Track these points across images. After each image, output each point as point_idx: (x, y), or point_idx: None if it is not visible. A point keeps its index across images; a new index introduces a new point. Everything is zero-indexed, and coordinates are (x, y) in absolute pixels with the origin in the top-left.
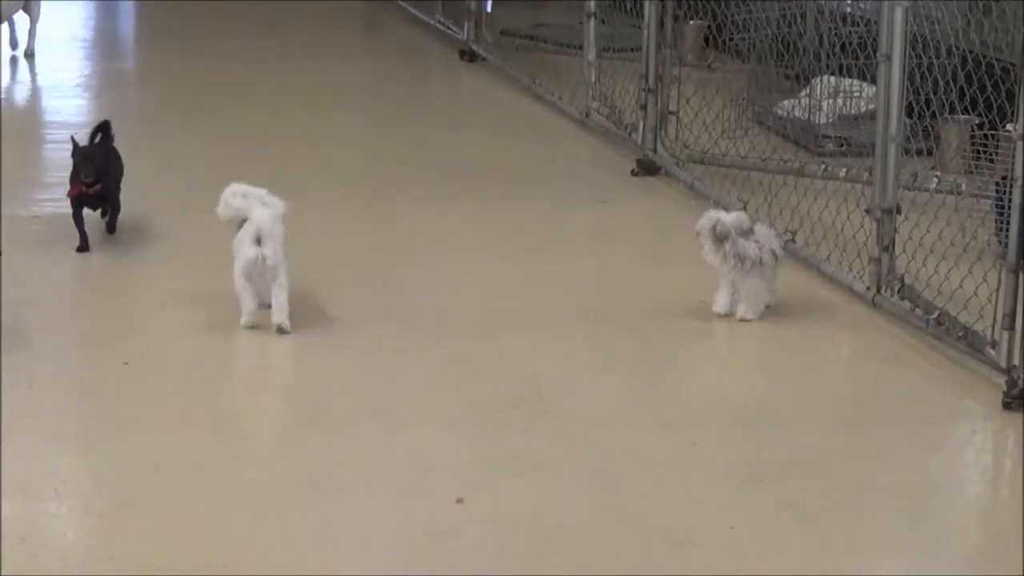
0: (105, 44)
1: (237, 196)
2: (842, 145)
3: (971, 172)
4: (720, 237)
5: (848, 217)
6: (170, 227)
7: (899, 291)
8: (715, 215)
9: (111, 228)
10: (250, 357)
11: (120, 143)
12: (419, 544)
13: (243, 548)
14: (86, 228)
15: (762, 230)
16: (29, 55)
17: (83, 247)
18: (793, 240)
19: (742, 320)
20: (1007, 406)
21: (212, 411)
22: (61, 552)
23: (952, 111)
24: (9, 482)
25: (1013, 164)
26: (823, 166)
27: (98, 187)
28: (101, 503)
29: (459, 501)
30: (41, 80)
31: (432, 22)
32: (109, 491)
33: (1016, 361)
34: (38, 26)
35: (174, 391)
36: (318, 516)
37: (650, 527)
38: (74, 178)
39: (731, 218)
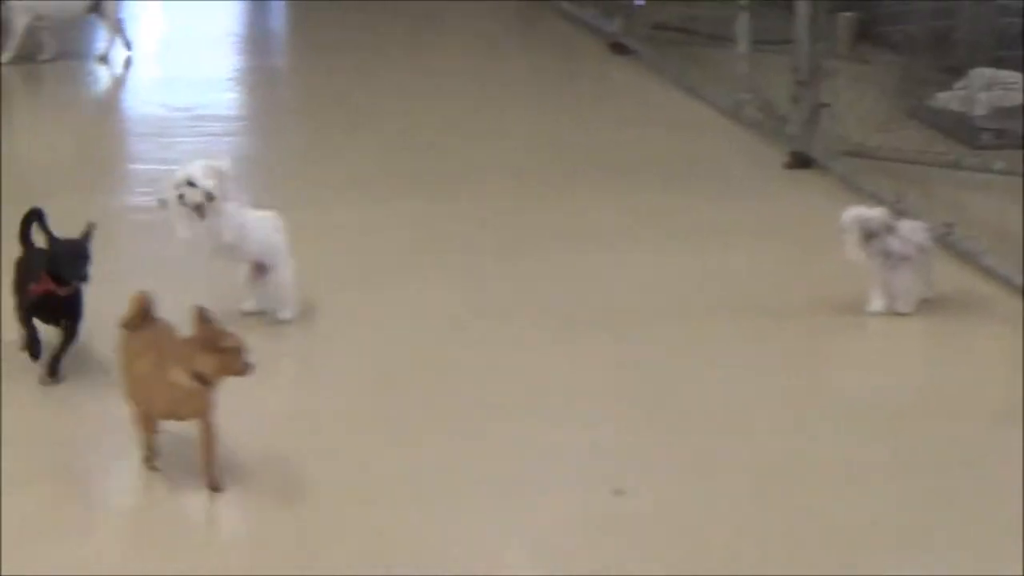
0: (257, 39)
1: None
2: (999, 137)
3: None
4: (869, 235)
5: (1007, 210)
6: (310, 221)
7: None
8: (859, 212)
9: (56, 367)
10: (396, 350)
11: (272, 139)
12: (578, 536)
13: (402, 542)
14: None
15: (907, 225)
16: (103, 59)
17: (33, 350)
18: (951, 233)
19: (897, 314)
20: None
21: (372, 404)
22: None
23: None
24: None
25: None
26: (980, 159)
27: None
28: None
29: (618, 493)
30: (194, 74)
31: (583, 16)
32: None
33: None
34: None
35: (331, 388)
36: (476, 508)
37: (804, 525)
38: (33, 274)
39: (876, 214)
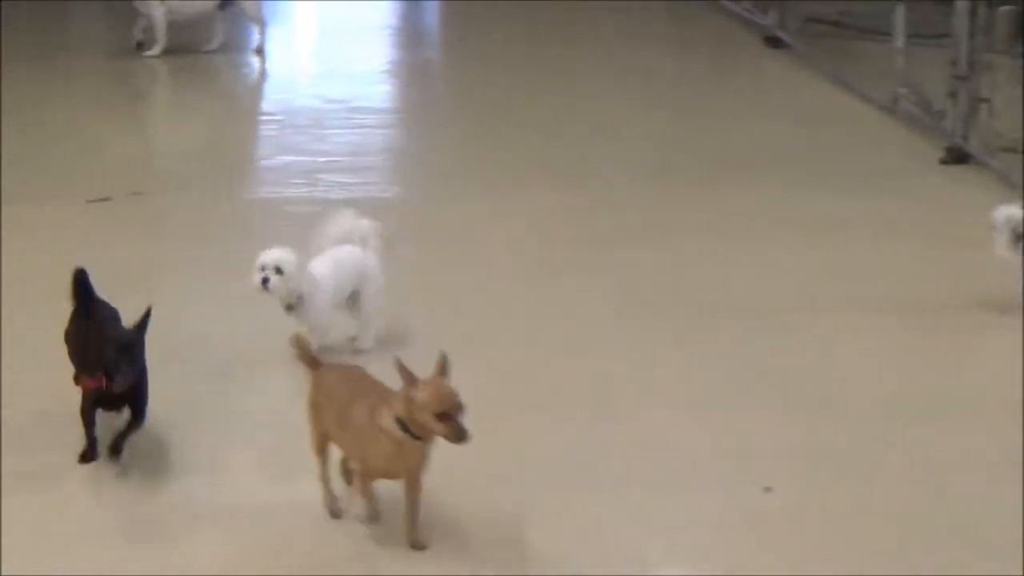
0: (411, 33)
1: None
2: None
3: None
4: (1018, 235)
5: None
6: (458, 214)
7: None
8: (1010, 211)
9: (119, 446)
10: (537, 344)
11: (424, 132)
12: (727, 532)
13: (548, 537)
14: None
15: None
16: (258, 51)
17: (90, 455)
18: None
19: None
20: None
21: (512, 400)
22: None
23: None
24: None
25: None
26: None
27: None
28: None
29: (767, 490)
30: (349, 67)
31: (737, 10)
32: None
33: None
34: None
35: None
36: (624, 505)
37: (950, 522)
38: (87, 364)
39: None
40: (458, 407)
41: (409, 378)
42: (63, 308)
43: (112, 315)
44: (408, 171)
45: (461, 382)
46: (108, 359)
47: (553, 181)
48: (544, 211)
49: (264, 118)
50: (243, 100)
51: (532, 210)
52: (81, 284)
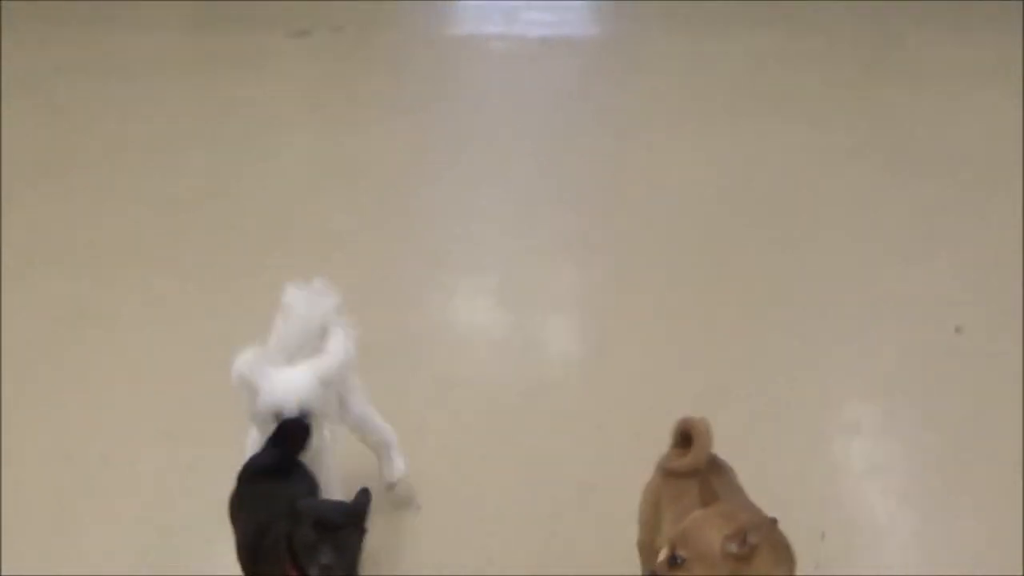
0: None
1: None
2: None
3: None
4: None
5: None
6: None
7: None
8: None
9: None
10: (744, 182)
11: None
12: (916, 368)
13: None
14: None
15: None
16: None
17: None
18: None
19: None
20: None
21: (744, 229)
22: None
23: None
24: None
25: None
26: None
27: None
28: None
29: (958, 330)
30: None
31: None
32: None
33: None
34: None
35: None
36: (814, 336)
37: None
38: (272, 554)
39: None
40: (672, 554)
41: (706, 497)
42: (262, 142)
43: (310, 484)
44: (609, 9)
45: (663, 217)
46: (305, 541)
47: (768, 20)
48: (756, 53)
49: None
50: None
51: (741, 52)
52: (303, 435)
